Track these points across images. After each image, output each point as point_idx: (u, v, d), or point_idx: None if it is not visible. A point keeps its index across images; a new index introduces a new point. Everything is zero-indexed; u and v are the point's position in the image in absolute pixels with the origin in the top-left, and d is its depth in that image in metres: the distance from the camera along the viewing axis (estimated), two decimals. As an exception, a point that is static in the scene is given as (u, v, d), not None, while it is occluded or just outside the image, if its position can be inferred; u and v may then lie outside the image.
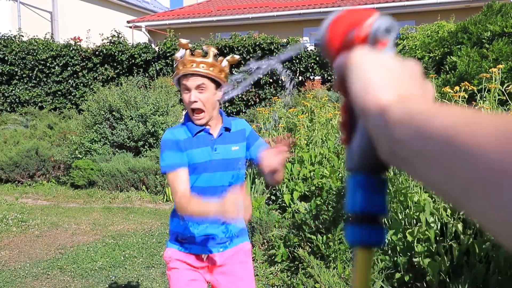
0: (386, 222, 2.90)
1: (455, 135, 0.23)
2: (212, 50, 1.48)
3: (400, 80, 0.32)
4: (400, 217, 2.77)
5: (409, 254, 2.71)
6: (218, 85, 1.49)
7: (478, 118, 0.24)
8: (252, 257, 3.56)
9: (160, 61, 8.77)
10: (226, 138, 1.54)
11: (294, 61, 8.13)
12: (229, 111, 8.54)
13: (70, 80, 9.26)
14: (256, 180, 4.86)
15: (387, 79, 0.32)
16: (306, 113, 5.16)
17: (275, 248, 3.37)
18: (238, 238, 1.62)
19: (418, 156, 0.26)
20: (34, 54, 9.25)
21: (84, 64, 9.23)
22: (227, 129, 1.55)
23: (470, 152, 0.22)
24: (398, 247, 2.75)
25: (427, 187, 0.28)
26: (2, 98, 9.43)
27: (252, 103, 8.38)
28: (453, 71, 4.69)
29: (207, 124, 1.52)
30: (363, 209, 0.34)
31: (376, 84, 0.32)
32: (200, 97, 1.46)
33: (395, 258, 2.75)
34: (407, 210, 2.73)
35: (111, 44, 9.08)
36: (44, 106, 9.25)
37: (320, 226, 3.13)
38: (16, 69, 9.30)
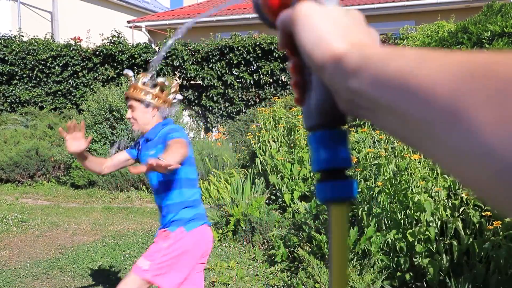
0: (385, 221, 2.90)
1: (409, 77, 0.23)
2: (142, 77, 1.88)
3: (349, 29, 0.32)
4: (400, 217, 2.77)
5: (409, 254, 2.71)
6: (148, 104, 1.88)
7: (433, 58, 0.23)
8: (252, 257, 3.57)
9: (160, 61, 8.77)
10: (147, 146, 1.92)
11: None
12: (229, 111, 8.54)
13: (70, 80, 9.26)
14: (256, 180, 4.86)
15: (338, 29, 0.31)
16: (306, 113, 5.16)
17: (275, 248, 3.37)
18: (170, 226, 1.89)
19: (376, 103, 0.26)
20: (34, 54, 9.25)
21: (84, 64, 9.22)
22: (147, 140, 1.92)
23: (424, 93, 0.22)
24: (398, 247, 2.75)
25: (386, 132, 0.27)
26: (2, 98, 9.43)
27: (252, 103, 8.38)
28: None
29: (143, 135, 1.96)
30: (329, 165, 0.33)
31: (327, 35, 0.31)
32: (132, 115, 1.91)
33: (395, 258, 2.75)
34: (407, 210, 2.73)
35: (111, 44, 9.08)
36: (44, 106, 9.25)
37: (320, 226, 3.13)
38: (16, 69, 9.29)
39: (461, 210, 2.61)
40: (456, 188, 2.75)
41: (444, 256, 2.55)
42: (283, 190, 4.39)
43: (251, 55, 8.35)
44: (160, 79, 1.89)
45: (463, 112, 0.19)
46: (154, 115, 1.91)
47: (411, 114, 0.23)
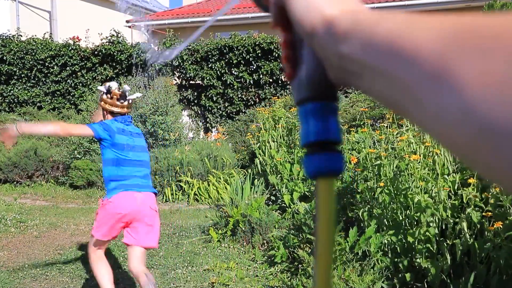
0: (386, 222, 2.89)
1: (397, 39, 0.23)
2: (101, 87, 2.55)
3: None
4: (401, 218, 2.76)
5: (409, 255, 2.70)
6: (101, 108, 2.56)
7: (421, 20, 0.23)
8: (252, 258, 3.56)
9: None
10: None
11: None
12: (228, 111, 8.53)
13: (69, 80, 9.23)
14: (256, 180, 4.85)
15: None
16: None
17: (275, 248, 3.36)
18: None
19: (365, 66, 0.26)
20: (33, 54, 9.22)
21: (83, 64, 9.20)
22: None
23: (410, 54, 0.22)
24: (398, 248, 2.74)
25: (373, 98, 0.27)
26: (0, 98, 9.41)
27: (252, 103, 8.37)
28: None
29: None
30: (318, 137, 0.33)
31: (318, 0, 0.32)
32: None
33: (396, 259, 2.74)
34: (408, 211, 2.72)
35: (110, 43, 9.06)
36: (42, 106, 9.22)
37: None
38: (15, 69, 9.27)
39: (463, 211, 2.60)
40: (456, 188, 2.74)
41: (447, 255, 2.54)
42: (283, 191, 4.38)
43: (250, 54, 8.33)
44: (109, 85, 2.49)
45: (448, 71, 0.20)
46: (105, 115, 2.54)
47: (398, 75, 0.23)
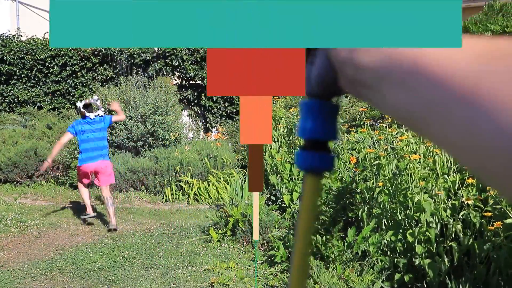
0: (385, 222, 2.89)
1: (423, 54, 0.23)
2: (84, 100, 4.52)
3: None
4: (400, 218, 2.76)
5: (409, 254, 2.70)
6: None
7: None
8: (252, 258, 3.56)
9: (159, 61, 8.75)
10: None
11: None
12: (228, 111, 8.53)
13: (69, 80, 9.23)
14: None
15: None
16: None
17: (275, 248, 3.36)
18: None
19: (384, 80, 0.25)
20: (33, 54, 9.22)
21: (83, 64, 9.20)
22: None
23: (441, 73, 0.21)
24: (398, 248, 2.74)
25: (390, 113, 0.27)
26: (0, 98, 9.41)
27: (252, 103, 8.36)
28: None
29: None
30: (313, 136, 0.34)
31: None
32: None
33: (395, 259, 2.74)
34: (407, 210, 2.72)
35: (110, 44, 9.05)
36: (42, 106, 9.22)
37: (319, 227, 3.12)
38: (15, 69, 9.27)
39: (461, 212, 2.60)
40: (456, 188, 2.74)
41: (444, 257, 2.54)
42: (283, 191, 4.38)
43: (250, 55, 8.32)
44: (84, 101, 4.44)
45: (482, 93, 0.19)
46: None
47: (424, 91, 0.22)
